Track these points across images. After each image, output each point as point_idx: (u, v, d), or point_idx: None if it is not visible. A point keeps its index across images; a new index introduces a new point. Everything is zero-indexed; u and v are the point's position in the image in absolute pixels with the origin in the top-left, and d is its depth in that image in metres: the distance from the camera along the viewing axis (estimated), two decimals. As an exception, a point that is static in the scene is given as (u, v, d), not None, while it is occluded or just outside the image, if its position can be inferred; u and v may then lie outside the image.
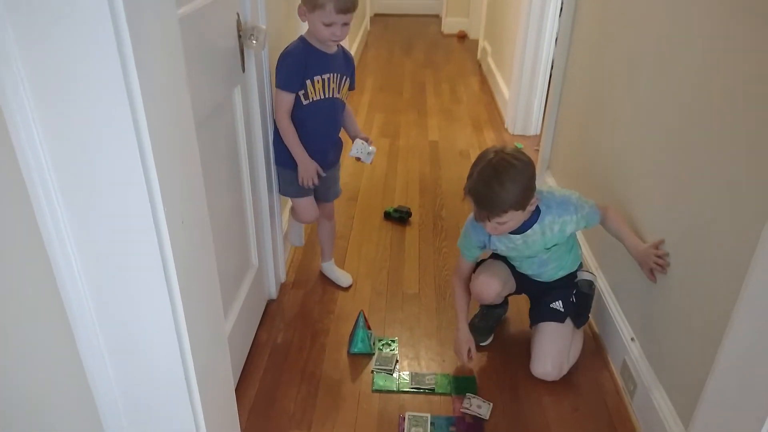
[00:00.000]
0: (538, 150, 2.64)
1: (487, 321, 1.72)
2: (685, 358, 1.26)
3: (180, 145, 0.76)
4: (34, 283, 0.75)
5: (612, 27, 1.79)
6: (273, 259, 1.82)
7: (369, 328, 1.70)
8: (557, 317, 1.59)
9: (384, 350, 1.67)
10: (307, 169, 1.64)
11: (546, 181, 2.39)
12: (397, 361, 1.63)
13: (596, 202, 1.54)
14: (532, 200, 1.39)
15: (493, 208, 1.35)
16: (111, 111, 0.63)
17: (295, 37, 1.61)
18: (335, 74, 1.61)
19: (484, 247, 1.58)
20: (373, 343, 1.68)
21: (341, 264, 2.05)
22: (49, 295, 0.76)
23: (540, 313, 1.62)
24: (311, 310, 1.84)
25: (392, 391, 1.54)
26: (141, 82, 0.62)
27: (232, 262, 1.50)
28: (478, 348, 1.68)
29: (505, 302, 1.77)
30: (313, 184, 1.68)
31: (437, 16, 6.49)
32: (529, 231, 1.48)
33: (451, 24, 5.95)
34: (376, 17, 6.55)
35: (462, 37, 5.81)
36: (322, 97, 1.60)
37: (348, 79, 1.67)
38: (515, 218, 1.39)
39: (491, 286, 1.59)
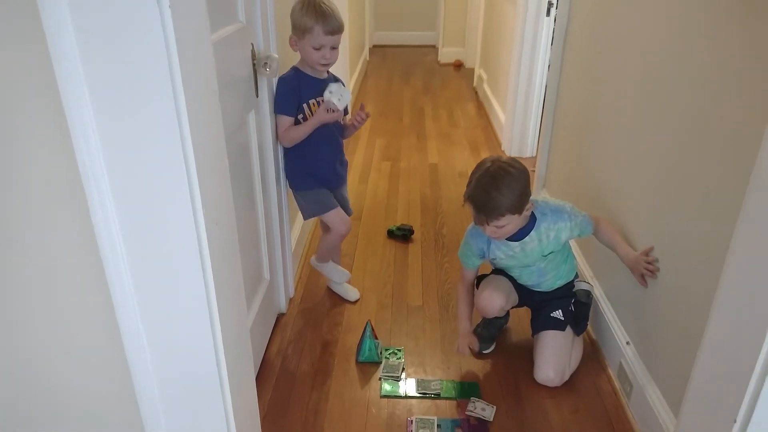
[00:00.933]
0: (534, 171, 2.75)
1: (489, 330, 1.80)
2: (677, 358, 1.34)
3: (215, 156, 0.86)
4: (85, 274, 0.85)
5: (600, 54, 1.92)
6: (283, 273, 1.91)
7: (376, 338, 1.78)
8: (558, 326, 1.66)
9: (391, 359, 1.74)
10: (323, 117, 1.67)
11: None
12: (403, 368, 1.71)
13: (589, 214, 1.63)
14: (528, 205, 1.49)
15: (491, 212, 1.44)
16: (162, 123, 0.73)
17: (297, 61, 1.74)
18: None
19: (484, 255, 1.66)
20: (380, 352, 1.76)
21: (347, 280, 2.14)
22: (97, 288, 0.86)
23: (541, 323, 1.70)
24: (319, 322, 1.92)
25: (400, 397, 1.61)
26: (187, 99, 0.72)
27: (247, 275, 1.59)
28: (481, 355, 1.76)
29: (507, 313, 1.85)
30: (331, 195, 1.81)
31: (434, 47, 6.71)
32: (526, 238, 1.57)
33: (447, 54, 6.15)
34: (375, 48, 6.76)
35: (458, 65, 6.01)
36: None
37: None
38: (512, 222, 1.48)
39: (495, 300, 1.67)
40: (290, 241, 1.99)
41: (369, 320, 1.80)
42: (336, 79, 1.77)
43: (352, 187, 2.78)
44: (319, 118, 1.68)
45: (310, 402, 1.58)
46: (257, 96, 1.58)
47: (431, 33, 6.78)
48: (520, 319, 1.90)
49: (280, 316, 1.94)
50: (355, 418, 1.53)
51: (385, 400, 1.60)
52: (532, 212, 1.56)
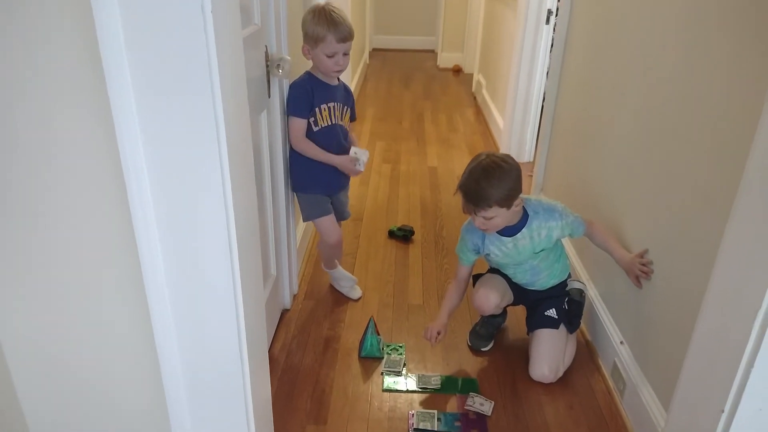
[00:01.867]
0: (531, 175, 2.82)
1: (488, 328, 1.86)
2: (669, 357, 1.40)
3: (243, 152, 0.92)
4: (121, 268, 0.90)
5: (600, 61, 1.98)
6: (288, 270, 1.96)
7: (378, 334, 1.83)
8: (552, 324, 1.72)
9: (392, 354, 1.79)
10: (341, 162, 1.79)
11: (540, 203, 2.55)
12: (404, 364, 1.76)
13: (584, 216, 1.70)
14: (517, 201, 1.54)
15: (478, 201, 1.51)
16: (200, 123, 0.79)
17: (309, 67, 1.79)
18: (338, 104, 1.79)
19: (479, 251, 1.72)
20: (382, 348, 1.81)
21: (349, 278, 2.19)
22: (132, 275, 0.91)
23: (536, 321, 1.75)
24: (323, 318, 1.97)
25: (401, 391, 1.66)
26: (224, 101, 0.78)
27: (255, 270, 1.64)
28: (480, 353, 1.82)
29: (504, 311, 1.91)
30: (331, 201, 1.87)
31: (433, 51, 6.79)
32: (518, 235, 1.63)
33: (446, 59, 6.23)
34: (375, 52, 6.83)
35: (457, 71, 6.08)
36: (329, 123, 1.78)
37: (348, 108, 1.85)
38: (500, 215, 1.54)
39: (490, 298, 1.73)
40: (296, 238, 2.04)
41: (372, 316, 1.85)
42: (346, 89, 1.83)
43: (353, 189, 2.83)
44: (339, 163, 1.79)
45: (314, 396, 1.63)
46: (269, 96, 1.64)
47: (431, 38, 6.86)
48: (518, 319, 1.96)
49: (284, 312, 1.99)
50: (357, 412, 1.58)
51: (387, 394, 1.65)
52: (525, 210, 1.62)
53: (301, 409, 1.58)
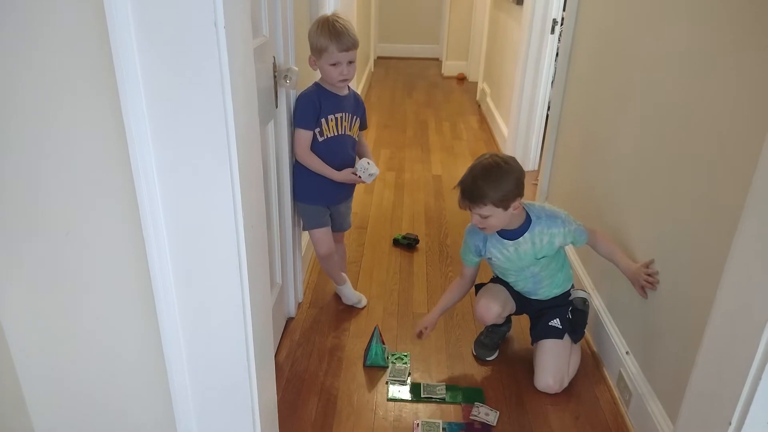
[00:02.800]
0: (536, 183, 2.82)
1: (492, 338, 1.86)
2: (675, 368, 1.40)
3: (254, 164, 0.93)
4: (130, 278, 0.91)
5: (605, 70, 1.99)
6: (293, 278, 1.96)
7: (383, 343, 1.83)
8: (556, 334, 1.72)
9: (397, 363, 1.79)
10: (342, 177, 1.80)
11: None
12: (409, 373, 1.76)
13: (587, 225, 1.69)
14: (516, 203, 1.54)
15: (473, 198, 1.53)
16: (212, 136, 0.80)
17: (315, 78, 1.81)
18: (347, 113, 1.79)
19: (481, 253, 1.72)
20: (387, 357, 1.81)
21: (354, 287, 2.19)
22: (141, 287, 0.92)
23: (540, 332, 1.75)
24: (328, 327, 1.98)
25: (406, 401, 1.66)
26: (235, 114, 0.79)
27: (261, 278, 1.65)
28: (485, 362, 1.81)
29: (509, 321, 1.91)
30: (331, 212, 1.89)
31: (437, 60, 6.82)
32: (520, 239, 1.63)
33: (450, 67, 6.25)
34: (379, 60, 6.86)
35: (461, 79, 6.11)
36: (336, 134, 1.79)
37: (358, 118, 1.86)
38: (497, 216, 1.54)
39: (491, 308, 1.73)
40: (301, 247, 2.05)
41: (377, 325, 1.86)
42: (357, 99, 1.84)
43: (357, 197, 2.84)
44: (340, 178, 1.80)
45: (319, 405, 1.63)
46: (276, 107, 1.65)
47: (435, 46, 6.89)
48: (522, 328, 1.96)
49: (289, 320, 1.99)
50: (362, 421, 1.58)
51: (392, 403, 1.65)
52: (528, 215, 1.62)
53: (306, 418, 1.58)
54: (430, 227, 2.72)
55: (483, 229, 1.61)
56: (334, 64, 1.67)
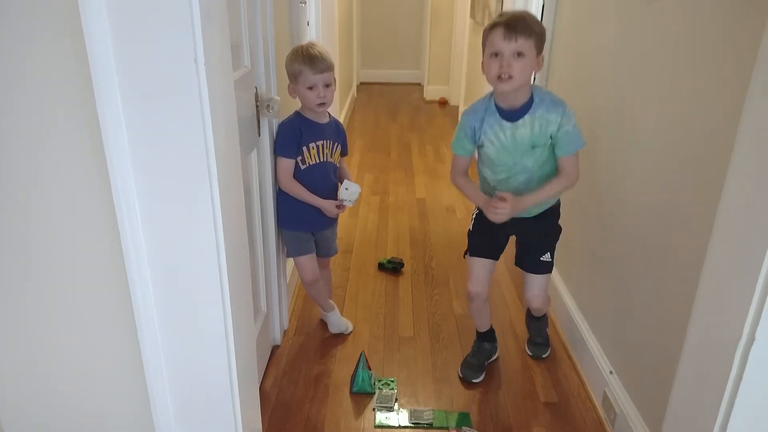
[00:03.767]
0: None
1: (479, 358, 1.86)
2: (658, 386, 1.41)
3: (235, 190, 0.94)
4: (111, 305, 0.91)
5: (581, 91, 2.05)
6: (278, 305, 1.96)
7: (369, 369, 1.83)
8: (547, 269, 1.77)
9: (384, 389, 1.79)
10: (327, 207, 1.82)
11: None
12: (396, 399, 1.75)
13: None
14: (541, 57, 1.50)
15: (518, 28, 1.43)
16: (192, 166, 0.81)
17: (298, 106, 1.83)
18: (328, 141, 1.82)
19: (475, 139, 1.62)
20: (374, 383, 1.80)
21: (340, 311, 2.19)
22: (123, 314, 0.92)
23: (531, 266, 1.77)
24: (313, 354, 1.97)
25: (393, 427, 1.65)
26: (216, 145, 0.81)
27: (246, 307, 1.64)
28: (472, 385, 1.82)
29: (494, 339, 1.92)
30: (315, 238, 1.89)
31: (419, 84, 6.92)
32: (519, 122, 1.54)
33: (432, 91, 6.36)
34: (362, 85, 6.96)
35: (443, 103, 6.20)
36: (318, 161, 1.81)
37: (339, 145, 1.88)
38: (528, 58, 1.45)
39: (481, 280, 1.78)
40: (286, 274, 2.05)
41: (363, 351, 1.85)
42: (338, 126, 1.87)
43: (342, 221, 2.85)
44: (324, 206, 1.81)
45: (306, 432, 1.62)
46: (259, 135, 1.67)
47: (417, 71, 7.01)
48: (509, 350, 1.97)
49: (274, 348, 1.98)
50: (350, 448, 1.57)
51: (380, 430, 1.64)
52: (531, 96, 1.54)
53: (293, 447, 1.57)
54: (415, 250, 2.74)
55: (506, 79, 1.46)
56: (311, 88, 1.70)
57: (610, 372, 1.67)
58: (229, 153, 0.91)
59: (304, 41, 2.11)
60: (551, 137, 1.55)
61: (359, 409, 1.72)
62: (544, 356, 1.95)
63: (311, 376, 1.85)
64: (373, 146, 4.52)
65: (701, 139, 1.24)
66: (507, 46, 1.44)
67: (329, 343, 2.03)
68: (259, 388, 1.76)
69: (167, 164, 0.83)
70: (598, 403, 1.72)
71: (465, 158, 1.69)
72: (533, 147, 1.56)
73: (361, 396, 1.76)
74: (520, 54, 1.44)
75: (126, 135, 0.81)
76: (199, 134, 0.79)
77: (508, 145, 1.58)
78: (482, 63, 1.53)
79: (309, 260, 1.91)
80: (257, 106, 1.62)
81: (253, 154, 1.64)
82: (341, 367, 1.90)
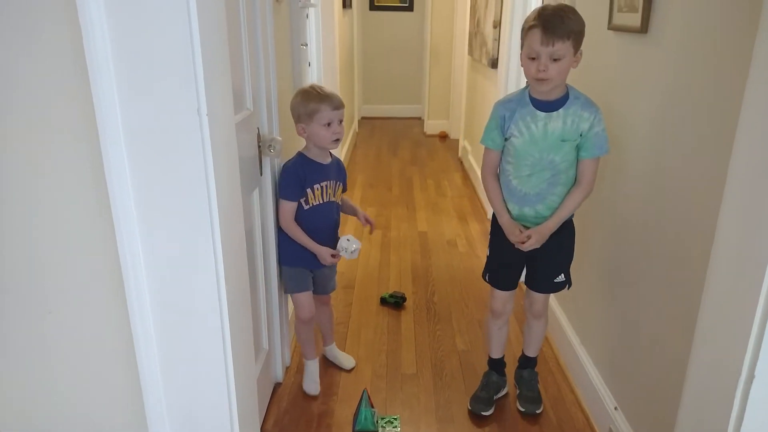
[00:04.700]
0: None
1: (488, 391, 1.85)
2: (664, 422, 1.40)
3: (237, 233, 0.96)
4: (112, 343, 0.91)
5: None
6: (280, 343, 1.95)
7: (372, 407, 1.81)
8: (559, 289, 1.75)
9: (387, 428, 1.77)
10: (322, 254, 1.83)
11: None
12: (399, 438, 1.73)
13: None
14: (579, 53, 1.48)
15: (560, 31, 1.41)
16: (194, 208, 0.83)
17: (299, 146, 1.87)
18: (331, 181, 1.85)
19: (503, 129, 1.60)
20: (377, 421, 1.78)
21: (342, 348, 2.18)
22: (124, 351, 0.92)
23: (544, 287, 1.76)
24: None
25: (396, 467, 1.62)
26: (218, 188, 0.83)
27: (247, 345, 1.64)
28: (476, 425, 1.79)
29: (503, 373, 1.91)
30: (313, 274, 1.90)
31: (420, 119, 7.03)
32: (554, 113, 1.53)
33: (432, 125, 6.45)
34: (364, 120, 7.07)
35: (443, 137, 6.29)
36: (321, 201, 1.83)
37: (341, 183, 1.92)
38: (566, 60, 1.45)
39: (504, 297, 1.79)
40: (288, 311, 2.05)
41: (365, 389, 1.84)
42: (339, 165, 1.90)
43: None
44: (320, 254, 1.82)
45: (308, 474, 1.59)
46: (261, 174, 1.70)
47: (417, 106, 7.13)
48: (512, 387, 1.95)
49: (276, 386, 1.97)
50: (352, 490, 1.54)
51: (383, 470, 1.61)
52: (567, 91, 1.55)
53: (295, 489, 1.54)
54: (417, 285, 2.74)
55: (542, 81, 1.47)
56: (327, 124, 1.74)
57: (615, 408, 1.65)
58: (230, 194, 0.94)
59: (306, 82, 2.17)
60: (581, 135, 1.54)
61: (362, 449, 1.69)
62: (537, 412, 1.83)
63: (313, 415, 1.83)
64: (375, 181, 4.56)
65: (701, 185, 1.26)
66: (544, 50, 1.44)
67: (331, 380, 2.01)
68: (261, 428, 1.75)
69: (170, 207, 0.85)
70: (604, 440, 1.70)
71: (494, 152, 1.65)
72: (563, 141, 1.54)
73: (364, 435, 1.74)
74: (557, 59, 1.44)
75: (129, 178, 0.83)
76: (201, 178, 0.82)
77: (538, 137, 1.55)
78: (520, 57, 1.52)
79: (306, 297, 1.90)
80: (259, 147, 1.65)
81: (256, 193, 1.66)
82: (343, 405, 1.88)
